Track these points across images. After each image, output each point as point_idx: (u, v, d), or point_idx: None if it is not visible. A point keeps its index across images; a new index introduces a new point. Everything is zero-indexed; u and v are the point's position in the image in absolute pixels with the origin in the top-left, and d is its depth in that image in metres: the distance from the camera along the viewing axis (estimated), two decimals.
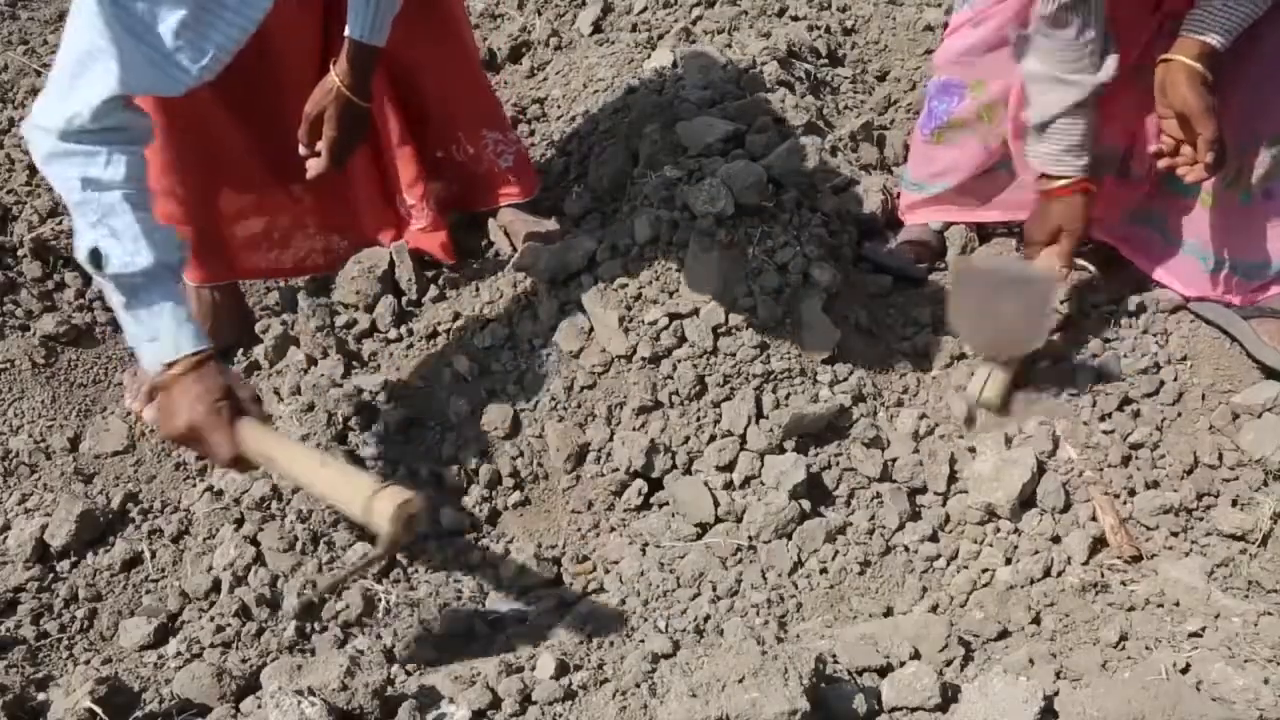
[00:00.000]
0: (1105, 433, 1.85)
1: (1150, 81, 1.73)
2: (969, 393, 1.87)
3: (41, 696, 1.45)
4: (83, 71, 1.38)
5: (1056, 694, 1.28)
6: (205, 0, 1.36)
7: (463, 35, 2.18)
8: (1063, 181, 1.80)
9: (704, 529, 1.77)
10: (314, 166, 1.88)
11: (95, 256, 1.45)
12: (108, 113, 1.40)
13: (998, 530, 1.74)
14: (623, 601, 1.66)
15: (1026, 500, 1.76)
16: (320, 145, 1.85)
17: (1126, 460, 1.81)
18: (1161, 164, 1.76)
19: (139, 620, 1.59)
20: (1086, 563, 1.66)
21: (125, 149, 1.45)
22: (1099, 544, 1.68)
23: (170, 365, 1.48)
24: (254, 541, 1.68)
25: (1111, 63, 1.70)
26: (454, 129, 2.18)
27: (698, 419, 1.86)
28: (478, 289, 2.11)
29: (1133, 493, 1.76)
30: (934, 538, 1.75)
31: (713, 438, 1.85)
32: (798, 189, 2.04)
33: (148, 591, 1.67)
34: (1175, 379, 1.92)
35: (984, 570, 1.68)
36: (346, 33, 1.77)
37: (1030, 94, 1.79)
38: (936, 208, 2.24)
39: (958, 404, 1.90)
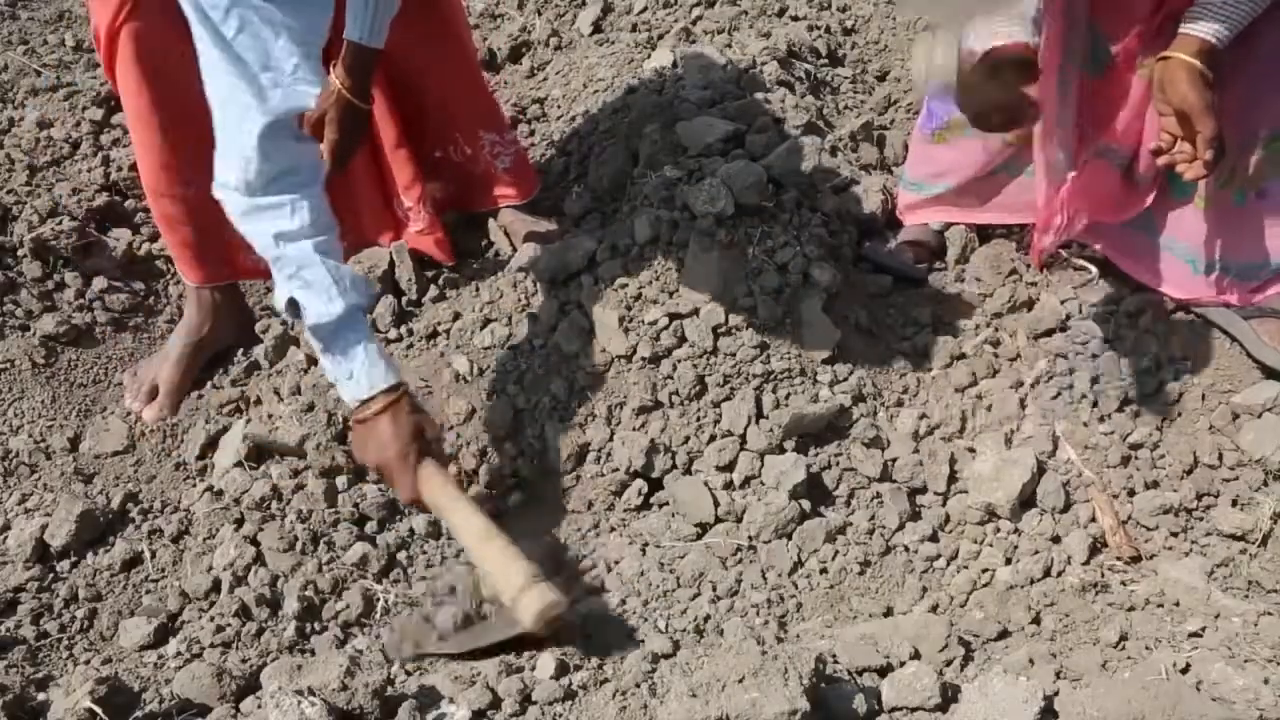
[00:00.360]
0: (1105, 433, 1.85)
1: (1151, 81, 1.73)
2: (916, 67, 1.66)
3: (41, 696, 1.45)
4: (230, 115, 1.47)
5: (1056, 694, 1.28)
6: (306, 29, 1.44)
7: (461, 36, 2.18)
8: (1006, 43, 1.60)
9: (704, 529, 1.77)
10: None
11: (294, 307, 1.56)
12: (273, 148, 1.48)
13: (998, 530, 1.74)
14: (623, 601, 1.66)
15: (1026, 500, 1.76)
16: (321, 148, 1.85)
17: (1126, 460, 1.81)
18: (1160, 161, 1.75)
19: (139, 620, 1.59)
20: (1087, 563, 1.66)
21: (306, 193, 1.53)
22: (1099, 544, 1.69)
23: (366, 402, 1.58)
24: (254, 541, 1.68)
25: None
26: (452, 129, 2.19)
27: (698, 419, 1.86)
28: (478, 289, 2.11)
29: (1132, 493, 1.76)
30: (934, 538, 1.75)
31: (713, 438, 1.85)
32: (798, 189, 2.04)
33: (148, 591, 1.67)
34: (1175, 379, 1.91)
35: (984, 570, 1.68)
36: (345, 35, 1.77)
37: None
38: (936, 208, 2.23)
39: (917, 78, 1.67)
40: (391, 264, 2.19)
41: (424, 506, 1.63)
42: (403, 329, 2.11)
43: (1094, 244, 2.13)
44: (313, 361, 2.03)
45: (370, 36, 1.75)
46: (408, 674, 1.51)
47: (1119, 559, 1.66)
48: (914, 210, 2.27)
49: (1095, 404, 1.89)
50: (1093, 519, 1.71)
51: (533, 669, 1.40)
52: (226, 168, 1.52)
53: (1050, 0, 1.65)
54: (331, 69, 1.80)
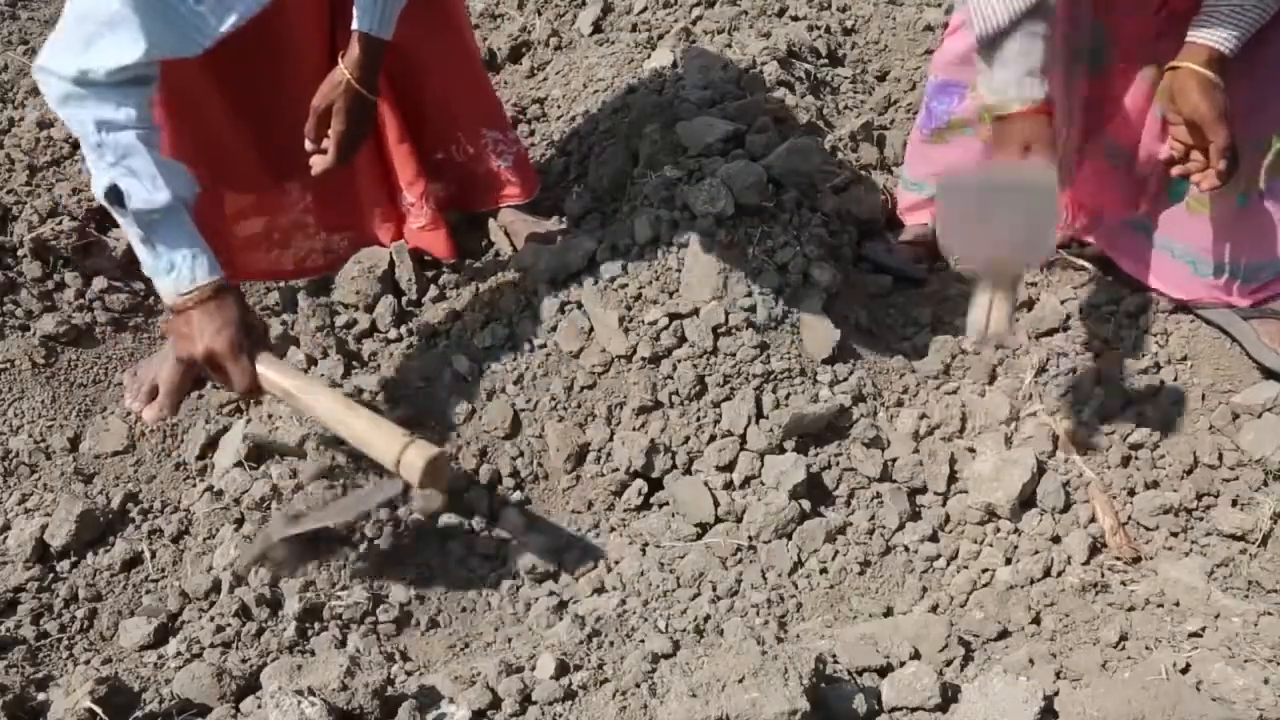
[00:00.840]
0: (1106, 433, 1.85)
1: (1154, 80, 1.72)
2: (973, 325, 1.63)
3: (41, 696, 1.45)
4: (101, 35, 1.44)
5: (1056, 694, 1.28)
6: None
7: (464, 34, 2.18)
8: (1021, 107, 1.58)
9: (704, 529, 1.77)
10: (320, 162, 1.88)
11: (114, 193, 1.52)
12: (121, 72, 1.47)
13: (998, 530, 1.74)
14: (623, 601, 1.66)
15: (1026, 500, 1.76)
16: (327, 140, 1.86)
17: (1126, 460, 1.81)
18: (1175, 171, 1.72)
19: (139, 620, 1.59)
20: (1087, 563, 1.66)
21: (137, 90, 1.51)
22: (1099, 544, 1.69)
23: (188, 294, 1.56)
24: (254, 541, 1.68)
25: None
26: (454, 128, 2.19)
27: (698, 419, 1.86)
28: (478, 289, 2.11)
29: (1132, 492, 1.76)
30: (934, 538, 1.75)
31: (713, 438, 1.85)
32: (798, 189, 2.04)
33: (148, 591, 1.67)
34: (1175, 379, 1.91)
35: (984, 570, 1.68)
36: (354, 26, 1.77)
37: (971, 7, 1.55)
38: (931, 211, 2.24)
39: (970, 334, 1.65)
40: (391, 264, 2.19)
41: (260, 394, 1.61)
42: (403, 329, 2.11)
43: (1092, 240, 2.13)
44: (313, 361, 2.04)
45: (379, 28, 1.77)
46: (408, 674, 1.52)
47: (1119, 559, 1.66)
48: (915, 210, 2.27)
49: (1095, 403, 1.89)
50: (1093, 519, 1.71)
51: (533, 669, 1.40)
52: (61, 61, 1.47)
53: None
54: (340, 59, 1.81)
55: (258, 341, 1.61)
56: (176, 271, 1.57)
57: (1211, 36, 1.61)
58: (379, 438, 1.53)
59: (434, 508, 1.68)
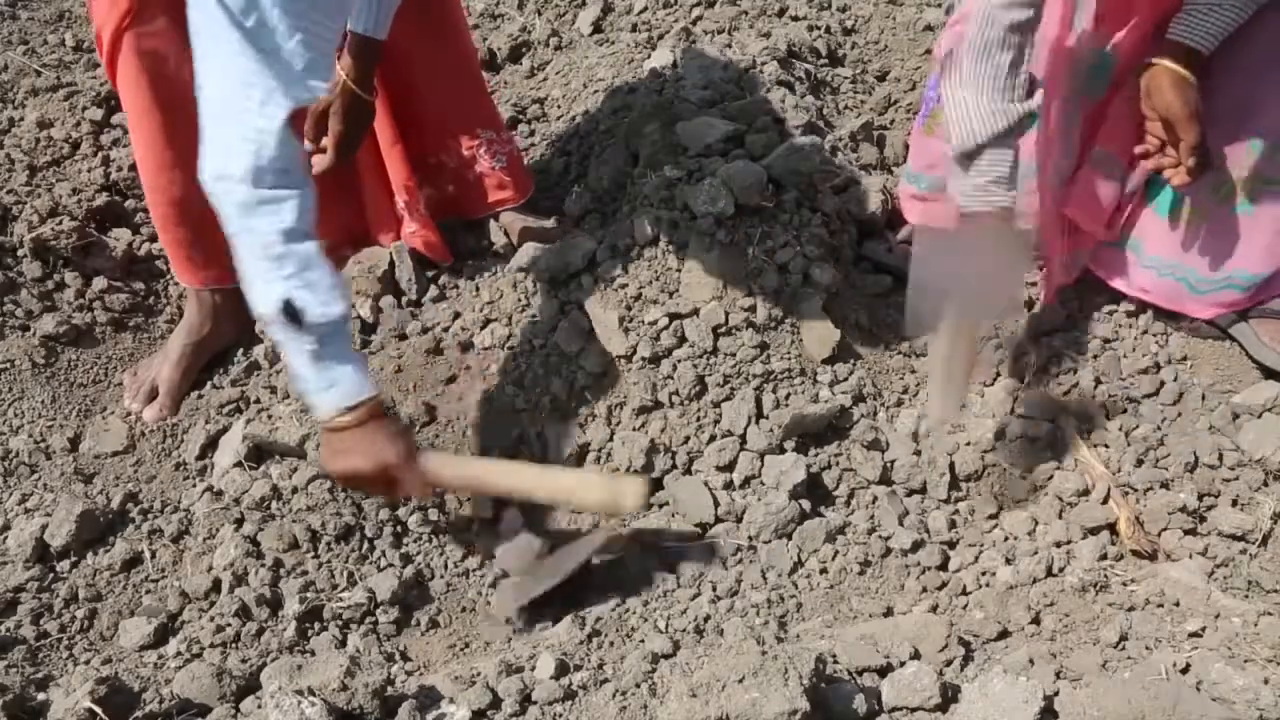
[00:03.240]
0: (1108, 432, 1.85)
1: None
2: (929, 414, 1.77)
3: (41, 696, 1.45)
4: (242, 101, 1.37)
5: (1056, 694, 1.28)
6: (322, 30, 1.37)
7: (460, 35, 2.18)
8: (986, 209, 1.62)
9: (704, 529, 1.77)
10: (319, 162, 1.89)
11: (289, 308, 1.45)
12: (289, 138, 1.40)
13: (998, 530, 1.74)
14: (623, 601, 1.66)
15: (1027, 499, 1.76)
16: (326, 141, 1.86)
17: (1140, 462, 1.81)
18: (1148, 165, 1.75)
19: (139, 620, 1.59)
20: (1098, 560, 1.66)
21: (306, 191, 1.45)
22: (1100, 545, 1.68)
23: (353, 409, 1.52)
24: (254, 541, 1.68)
25: (1039, 95, 1.59)
26: (449, 130, 2.18)
27: (698, 419, 1.86)
28: (478, 289, 2.11)
29: (1130, 491, 1.76)
30: (934, 538, 1.75)
31: (713, 438, 1.85)
32: (798, 189, 2.04)
33: (148, 591, 1.67)
34: (1175, 379, 1.92)
35: (984, 570, 1.68)
36: (349, 27, 1.78)
37: (952, 120, 1.61)
38: (926, 206, 2.22)
39: (928, 416, 1.82)
40: (391, 264, 2.19)
41: (438, 492, 1.63)
42: (403, 329, 2.11)
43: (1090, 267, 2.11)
44: None
45: (374, 28, 1.77)
46: (408, 674, 1.52)
47: (1135, 552, 1.66)
48: (911, 205, 2.26)
49: (1095, 403, 1.89)
50: (1103, 529, 1.70)
51: (533, 669, 1.40)
52: (229, 156, 1.42)
53: (1051, 39, 1.66)
54: (337, 60, 1.81)
55: (413, 444, 1.59)
56: (340, 388, 1.51)
57: (1187, 34, 1.61)
58: (579, 483, 1.62)
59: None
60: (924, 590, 1.67)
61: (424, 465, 1.57)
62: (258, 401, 1.99)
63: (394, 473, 1.55)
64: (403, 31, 1.90)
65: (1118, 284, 2.05)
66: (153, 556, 1.72)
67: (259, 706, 1.33)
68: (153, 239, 2.38)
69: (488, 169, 2.23)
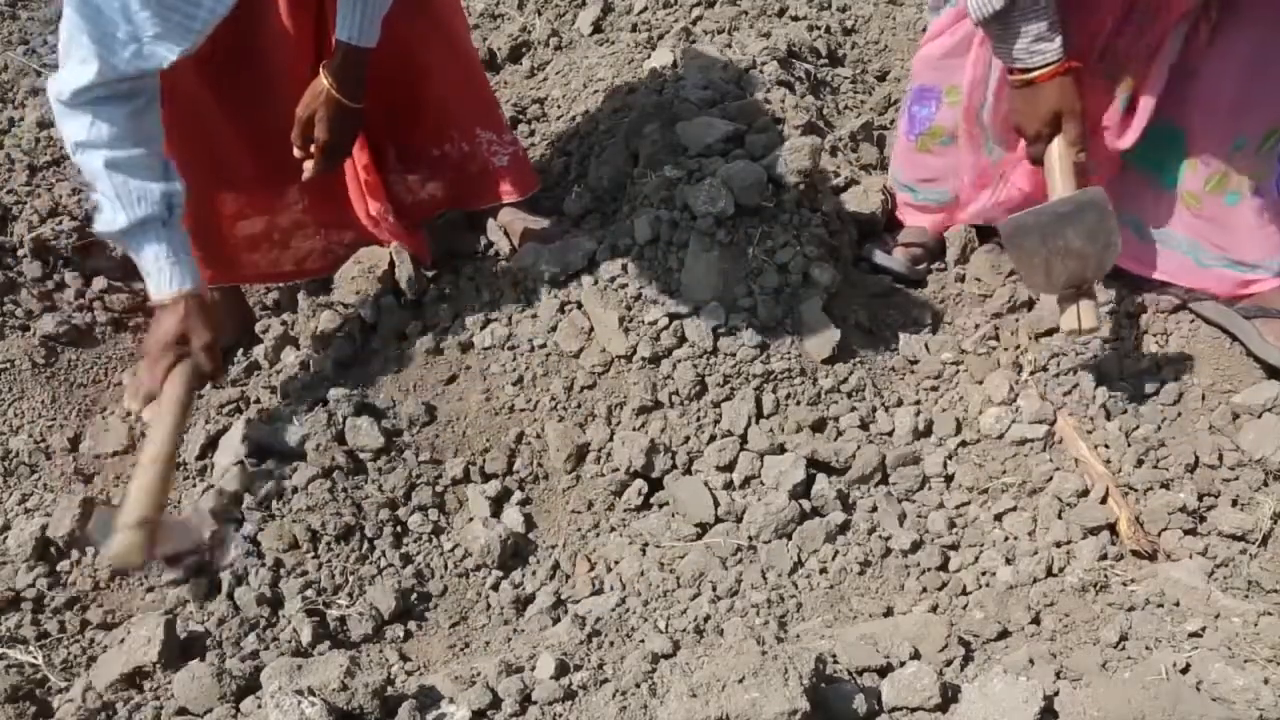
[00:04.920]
0: (1109, 432, 1.85)
1: (1112, 67, 1.74)
2: (1067, 329, 1.79)
3: (42, 696, 1.46)
4: (68, 55, 1.52)
5: (1056, 694, 1.28)
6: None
7: (461, 34, 2.18)
8: (1043, 70, 1.68)
9: (704, 529, 1.77)
10: (308, 168, 1.89)
11: (89, 215, 1.63)
12: (87, 92, 1.53)
13: (998, 530, 1.74)
14: (623, 601, 1.66)
15: (1027, 499, 1.76)
16: (314, 148, 1.87)
17: (1140, 462, 1.81)
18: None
19: (139, 620, 1.58)
20: (1088, 563, 1.66)
21: (115, 107, 1.56)
22: (1100, 545, 1.68)
23: (158, 299, 1.70)
24: (254, 541, 1.68)
25: None
26: (450, 127, 2.18)
27: (698, 419, 1.86)
28: (478, 289, 2.11)
29: (1130, 490, 1.76)
30: (934, 537, 1.75)
31: (713, 438, 1.85)
32: (798, 189, 2.04)
33: (149, 590, 1.67)
34: (1175, 379, 1.91)
35: (984, 570, 1.68)
36: (335, 35, 1.77)
37: None
38: (928, 215, 2.24)
39: (1063, 331, 1.83)
40: (391, 264, 2.19)
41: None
42: (403, 329, 2.11)
43: None
44: (313, 358, 2.04)
45: (360, 36, 1.77)
46: (408, 674, 1.52)
47: (1135, 552, 1.66)
48: (912, 212, 2.27)
49: (1096, 403, 1.89)
50: (1112, 530, 1.70)
51: (533, 669, 1.40)
52: (53, 79, 1.56)
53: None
54: (322, 69, 1.81)
55: (185, 354, 1.70)
56: (154, 280, 1.69)
57: None
58: (132, 500, 1.61)
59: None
60: (924, 590, 1.67)
61: (170, 374, 1.70)
62: (257, 401, 1.99)
63: (146, 356, 1.72)
64: (406, 30, 1.90)
65: (1130, 265, 2.06)
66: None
67: (259, 706, 1.33)
68: None
69: (491, 164, 2.23)
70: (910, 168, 2.22)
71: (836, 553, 1.71)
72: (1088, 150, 1.75)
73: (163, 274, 1.67)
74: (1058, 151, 1.74)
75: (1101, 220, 1.71)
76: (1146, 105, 1.82)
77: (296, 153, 1.88)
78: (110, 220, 1.64)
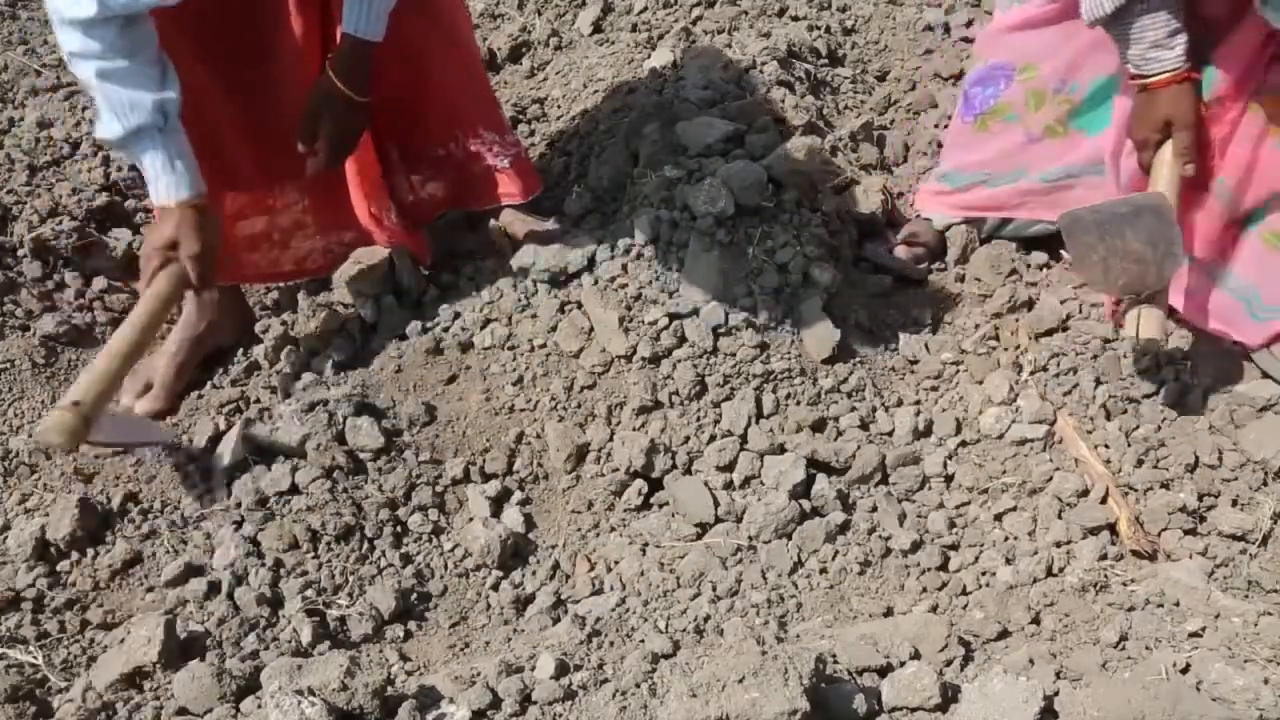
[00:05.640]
0: (1109, 432, 1.85)
1: (1266, 118, 1.71)
2: (1128, 335, 1.77)
3: (42, 696, 1.46)
4: None
5: (1056, 694, 1.28)
6: None
7: (464, 32, 2.19)
8: (1159, 76, 1.69)
9: (704, 529, 1.77)
10: (312, 165, 1.89)
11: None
12: (84, 22, 1.55)
13: (998, 530, 1.74)
14: (623, 601, 1.66)
15: (1027, 499, 1.76)
16: (319, 144, 1.86)
17: (1140, 462, 1.81)
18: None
19: (139, 620, 1.58)
20: (1088, 563, 1.66)
21: (106, 27, 1.56)
22: (1100, 545, 1.68)
23: (160, 206, 1.72)
24: (254, 541, 1.68)
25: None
26: (453, 127, 2.18)
27: (698, 419, 1.86)
28: (478, 289, 2.11)
29: (1130, 490, 1.76)
30: (934, 537, 1.75)
31: (713, 438, 1.85)
32: (798, 189, 2.04)
33: (148, 590, 1.67)
34: (1175, 379, 1.91)
35: (984, 570, 1.68)
36: (341, 29, 1.78)
37: None
38: (970, 197, 2.18)
39: (1131, 344, 1.83)
40: (391, 264, 2.19)
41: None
42: (403, 329, 2.11)
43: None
44: (313, 355, 2.04)
45: (366, 29, 1.77)
46: (408, 674, 1.52)
47: (1135, 552, 1.66)
48: (935, 198, 2.24)
49: (1096, 403, 1.89)
50: (1095, 530, 1.70)
51: (533, 669, 1.40)
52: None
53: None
54: (327, 63, 1.81)
55: (171, 259, 1.72)
56: (152, 187, 1.69)
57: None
58: (82, 382, 1.62)
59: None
60: (924, 590, 1.67)
61: (155, 276, 1.72)
62: (258, 401, 1.99)
63: (143, 259, 1.74)
64: (410, 29, 1.91)
65: (1185, 309, 1.98)
66: (153, 556, 1.71)
67: (259, 706, 1.33)
68: None
69: (494, 165, 2.23)
70: (962, 152, 2.16)
71: (836, 553, 1.72)
72: (1197, 164, 1.73)
73: (159, 181, 1.68)
74: (1165, 160, 1.73)
75: (1161, 225, 1.68)
76: None
77: (300, 148, 1.88)
78: (107, 128, 1.65)
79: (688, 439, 1.85)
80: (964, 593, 1.65)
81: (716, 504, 1.78)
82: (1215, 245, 1.90)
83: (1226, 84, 1.74)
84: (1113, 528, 1.70)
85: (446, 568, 1.74)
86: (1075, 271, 1.77)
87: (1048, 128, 2.01)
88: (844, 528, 1.75)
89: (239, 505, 1.75)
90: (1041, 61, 1.94)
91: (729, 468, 1.82)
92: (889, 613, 1.63)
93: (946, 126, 2.49)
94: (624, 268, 1.95)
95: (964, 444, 1.88)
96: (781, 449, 1.83)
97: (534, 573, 1.76)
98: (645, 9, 3.00)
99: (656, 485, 1.85)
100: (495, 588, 1.73)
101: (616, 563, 1.75)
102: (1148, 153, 1.76)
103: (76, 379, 1.62)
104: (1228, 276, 1.93)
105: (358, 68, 1.81)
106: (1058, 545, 1.69)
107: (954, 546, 1.74)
